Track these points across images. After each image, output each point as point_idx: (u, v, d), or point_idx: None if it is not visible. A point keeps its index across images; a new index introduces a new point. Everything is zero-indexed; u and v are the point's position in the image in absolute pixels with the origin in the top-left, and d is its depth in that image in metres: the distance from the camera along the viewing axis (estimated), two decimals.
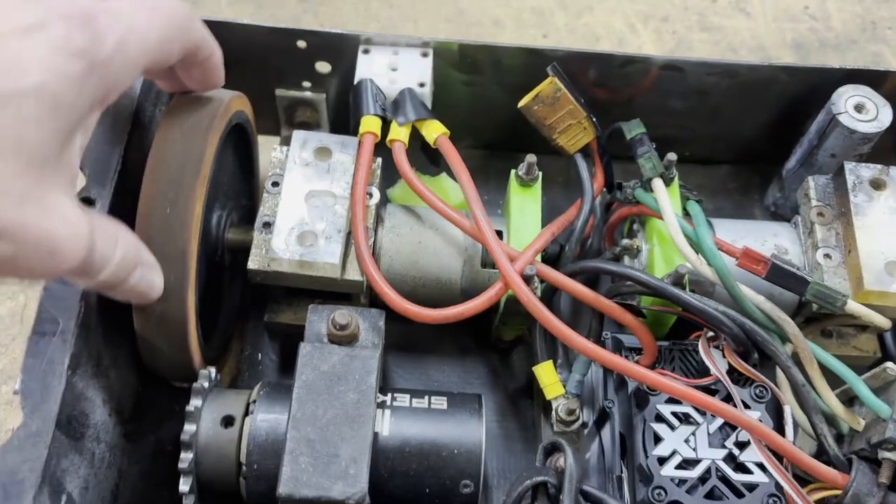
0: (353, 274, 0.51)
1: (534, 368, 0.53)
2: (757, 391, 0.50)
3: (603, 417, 0.54)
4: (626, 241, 0.56)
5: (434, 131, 0.55)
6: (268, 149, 0.63)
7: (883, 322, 0.51)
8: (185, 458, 0.46)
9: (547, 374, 0.53)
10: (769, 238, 0.56)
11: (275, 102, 0.64)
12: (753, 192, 0.67)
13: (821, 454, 0.49)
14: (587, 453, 0.57)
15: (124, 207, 0.48)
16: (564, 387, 0.53)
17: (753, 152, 0.67)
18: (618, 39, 0.82)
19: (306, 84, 0.62)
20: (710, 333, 0.51)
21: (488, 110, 0.64)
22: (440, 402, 0.49)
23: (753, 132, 0.65)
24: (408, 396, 0.49)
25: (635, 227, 0.57)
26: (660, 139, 0.61)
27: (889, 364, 0.47)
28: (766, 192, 0.66)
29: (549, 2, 0.85)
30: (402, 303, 0.49)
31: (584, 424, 0.57)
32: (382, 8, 0.83)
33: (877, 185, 0.54)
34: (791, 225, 0.57)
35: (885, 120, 0.56)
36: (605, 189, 0.59)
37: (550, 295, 0.54)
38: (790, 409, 0.49)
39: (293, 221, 0.51)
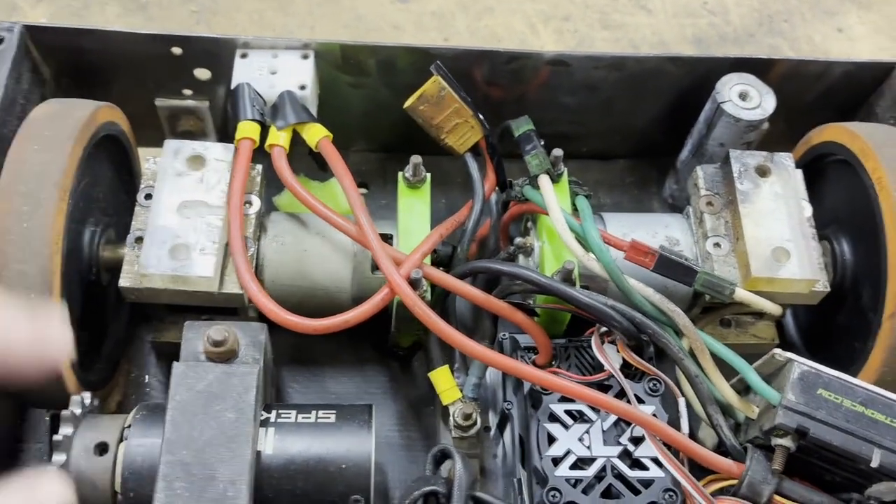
0: (231, 287, 0.49)
1: (429, 374, 0.52)
2: (650, 385, 0.49)
3: (504, 420, 0.53)
4: (519, 240, 0.55)
5: (316, 135, 0.53)
6: None
7: (773, 308, 0.51)
8: None
9: (443, 380, 0.51)
10: (660, 230, 0.55)
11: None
12: (651, 185, 0.67)
13: (720, 445, 0.49)
14: (493, 458, 0.56)
15: None
16: (461, 391, 0.52)
17: (649, 145, 0.66)
18: (519, 40, 0.82)
19: (187, 92, 0.60)
20: (604, 329, 0.51)
21: (380, 112, 0.63)
22: (328, 416, 0.47)
23: (647, 125, 0.65)
24: (294, 412, 0.47)
25: (528, 224, 0.56)
26: (555, 136, 0.61)
27: (777, 350, 0.47)
28: (664, 184, 0.66)
29: (450, 5, 0.84)
30: (282, 314, 0.47)
31: (487, 428, 0.56)
32: (278, 16, 0.81)
33: (762, 171, 0.54)
34: (683, 216, 0.56)
35: (768, 107, 0.57)
36: (497, 189, 0.58)
37: (444, 298, 0.53)
38: (685, 401, 0.49)
39: (165, 235, 0.48)
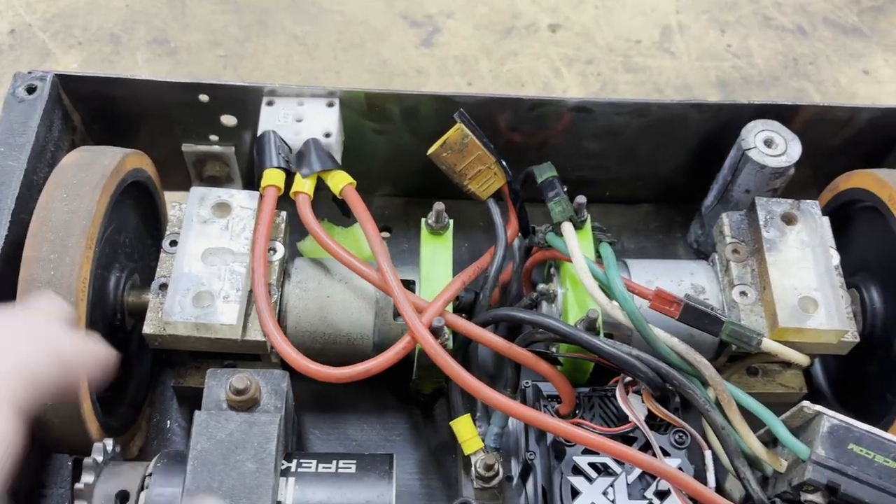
0: (254, 334, 0.49)
1: (451, 423, 0.51)
2: (676, 437, 0.49)
3: (526, 470, 0.52)
4: (542, 287, 0.55)
5: (340, 182, 0.53)
6: None
7: (801, 359, 0.50)
8: None
9: (465, 429, 0.51)
10: (686, 277, 0.55)
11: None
12: (675, 230, 0.67)
13: (748, 500, 0.47)
14: None
15: (11, 273, 0.46)
16: (483, 441, 0.51)
17: (673, 190, 0.66)
18: (542, 84, 0.82)
19: (213, 138, 0.61)
20: (629, 378, 0.50)
21: (404, 158, 0.63)
22: (348, 466, 0.47)
23: (671, 170, 0.65)
24: (314, 462, 0.47)
25: (552, 271, 0.56)
26: (578, 180, 0.61)
27: (805, 403, 0.46)
28: (689, 229, 0.65)
29: (473, 49, 0.85)
30: (304, 363, 0.47)
31: (510, 478, 0.55)
32: (304, 61, 0.82)
33: (788, 219, 0.53)
34: (709, 263, 0.56)
35: (794, 154, 0.56)
36: (520, 234, 0.58)
37: (466, 345, 0.52)
38: (711, 453, 0.48)
39: (189, 282, 0.48)
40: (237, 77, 0.80)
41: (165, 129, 0.61)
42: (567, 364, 0.52)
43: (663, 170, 0.65)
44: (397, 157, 0.63)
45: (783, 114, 0.58)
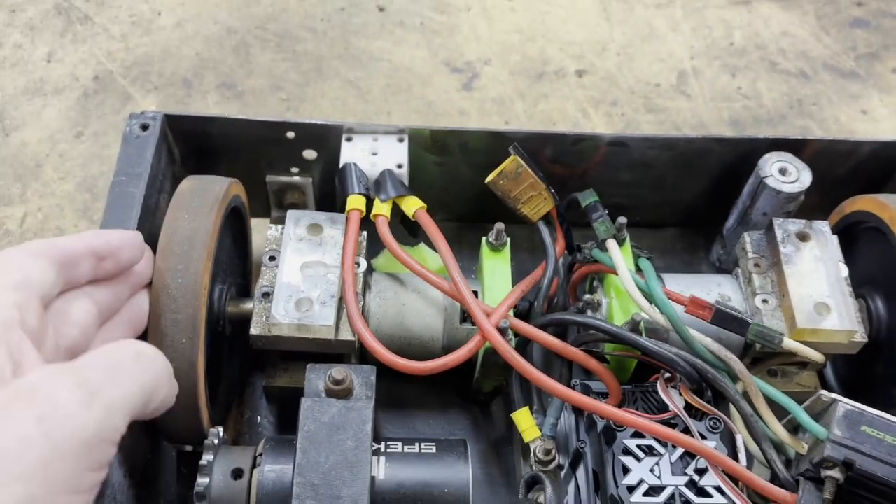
0: (345, 335, 0.57)
1: (512, 415, 0.58)
2: (711, 423, 0.56)
3: (577, 459, 0.59)
4: (587, 297, 0.63)
5: (413, 206, 0.62)
6: (259, 230, 0.70)
7: (817, 356, 0.58)
8: None
9: (524, 419, 0.58)
10: (714, 288, 0.62)
11: (265, 187, 0.70)
12: (699, 250, 0.75)
13: (773, 478, 0.55)
14: (565, 496, 0.62)
15: None
16: (541, 430, 0.58)
17: (696, 216, 0.74)
18: (572, 123, 0.91)
19: (294, 170, 0.69)
20: (668, 375, 0.58)
21: (458, 186, 0.71)
22: (430, 448, 0.54)
23: (695, 198, 0.73)
24: (400, 444, 0.54)
25: (595, 283, 0.64)
26: (612, 206, 0.69)
27: (822, 391, 0.53)
28: (711, 249, 0.73)
29: (509, 92, 0.94)
30: (391, 357, 0.54)
31: (561, 467, 0.62)
32: (359, 103, 0.91)
33: (802, 237, 0.61)
34: (733, 276, 0.64)
35: (805, 181, 0.64)
36: (566, 251, 0.66)
37: (523, 347, 0.60)
38: (742, 437, 0.55)
39: (290, 290, 0.56)
40: (299, 117, 0.89)
41: (251, 162, 0.69)
42: (612, 363, 0.60)
43: (687, 197, 0.73)
44: (453, 186, 0.71)
45: (794, 147, 0.67)
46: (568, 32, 1.00)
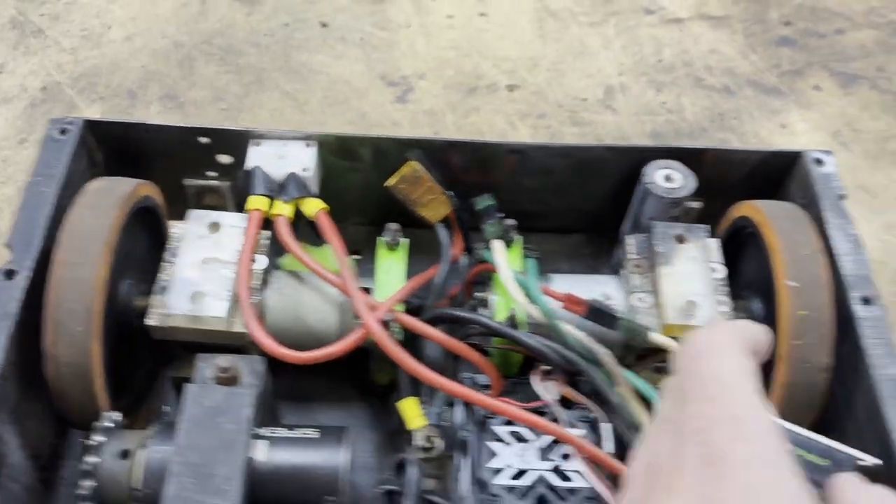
0: (238, 327, 0.60)
1: (397, 403, 0.62)
2: (581, 413, 0.59)
3: (462, 447, 0.62)
4: (479, 294, 0.66)
5: (314, 207, 0.65)
6: None
7: None
8: (86, 485, 0.54)
9: (410, 408, 0.61)
10: (597, 287, 0.66)
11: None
12: (603, 255, 0.78)
13: None
14: (454, 483, 0.64)
15: (42, 275, 0.57)
16: (427, 419, 0.61)
17: (600, 221, 0.77)
18: (499, 134, 0.95)
19: (211, 174, 0.73)
20: (548, 368, 0.61)
21: (372, 192, 0.74)
22: (312, 434, 0.57)
23: (597, 205, 0.76)
24: (285, 430, 0.57)
25: (487, 281, 0.67)
26: (520, 213, 0.72)
27: None
28: (612, 254, 0.77)
29: (441, 105, 0.98)
30: (276, 347, 0.58)
31: (450, 456, 0.65)
32: (295, 114, 0.95)
33: (680, 239, 0.65)
34: (618, 277, 0.67)
35: (690, 187, 0.68)
36: (466, 252, 0.69)
37: (413, 341, 0.63)
38: (610, 426, 0.58)
39: (186, 284, 0.60)
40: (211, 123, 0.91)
41: (172, 167, 0.73)
42: (498, 357, 0.63)
43: (590, 204, 0.76)
44: (367, 192, 0.75)
45: (685, 155, 0.70)
46: (503, 49, 1.04)
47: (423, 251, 0.68)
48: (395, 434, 0.67)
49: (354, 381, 0.68)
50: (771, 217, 0.63)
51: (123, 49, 1.00)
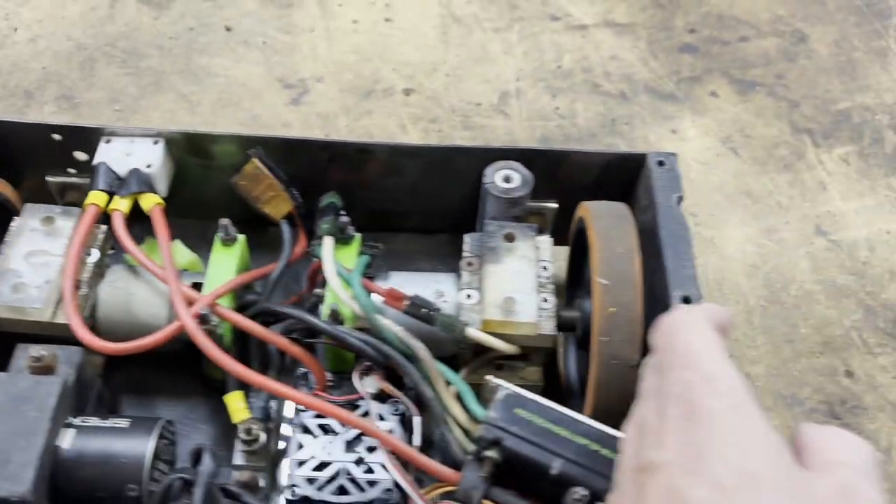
0: (60, 318, 0.61)
1: (224, 397, 0.62)
2: (394, 407, 0.60)
3: (285, 439, 0.63)
4: (317, 291, 0.67)
5: (150, 202, 0.66)
6: None
7: (502, 346, 0.62)
8: None
9: (234, 402, 0.62)
10: (433, 285, 0.66)
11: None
12: None
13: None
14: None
15: None
16: (251, 413, 0.62)
17: (460, 221, 0.78)
18: (389, 137, 0.96)
19: (72, 171, 0.74)
20: (368, 363, 0.62)
21: (224, 190, 0.75)
22: (123, 423, 0.58)
23: (457, 205, 0.77)
24: (97, 419, 0.58)
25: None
26: (381, 212, 0.73)
27: (488, 377, 0.57)
28: None
29: (335, 107, 0.99)
30: (89, 337, 0.59)
31: (282, 451, 0.65)
32: (186, 115, 0.96)
33: (510, 238, 0.65)
34: (455, 274, 0.68)
35: (527, 187, 0.69)
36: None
37: (240, 335, 0.64)
38: (420, 420, 0.59)
39: (12, 276, 0.61)
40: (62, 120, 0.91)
41: (34, 164, 0.74)
42: (330, 352, 0.64)
43: (449, 204, 0.77)
44: (219, 189, 0.75)
45: (525, 156, 0.71)
46: (403, 54, 1.05)
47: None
48: (232, 427, 0.68)
49: (197, 375, 0.69)
50: (594, 216, 0.63)
51: (26, 50, 1.01)
